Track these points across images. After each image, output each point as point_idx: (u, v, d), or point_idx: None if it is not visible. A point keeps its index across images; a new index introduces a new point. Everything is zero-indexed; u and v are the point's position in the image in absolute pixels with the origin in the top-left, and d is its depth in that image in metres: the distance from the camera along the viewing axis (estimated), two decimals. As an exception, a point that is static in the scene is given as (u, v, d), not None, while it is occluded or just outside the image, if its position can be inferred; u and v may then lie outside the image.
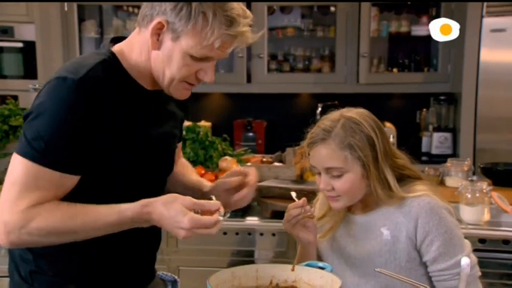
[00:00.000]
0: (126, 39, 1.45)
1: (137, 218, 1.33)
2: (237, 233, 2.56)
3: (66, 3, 4.31)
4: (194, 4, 1.29)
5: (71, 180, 1.34)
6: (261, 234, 2.55)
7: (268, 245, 2.56)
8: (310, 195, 1.78)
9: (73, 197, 1.34)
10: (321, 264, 1.50)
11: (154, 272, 1.67)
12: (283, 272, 1.47)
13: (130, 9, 4.60)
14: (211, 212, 1.34)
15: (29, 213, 1.29)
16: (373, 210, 1.65)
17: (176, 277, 1.75)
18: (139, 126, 1.42)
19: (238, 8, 1.34)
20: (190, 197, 1.34)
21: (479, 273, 1.63)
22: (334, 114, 1.63)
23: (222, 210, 1.36)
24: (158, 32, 1.34)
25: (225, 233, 2.55)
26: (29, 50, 4.24)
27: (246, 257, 2.56)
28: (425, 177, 1.78)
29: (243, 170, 1.61)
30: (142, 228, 1.37)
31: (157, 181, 1.56)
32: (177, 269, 2.60)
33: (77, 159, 1.32)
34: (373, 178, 1.59)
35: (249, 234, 2.56)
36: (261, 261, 2.51)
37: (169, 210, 1.30)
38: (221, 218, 1.33)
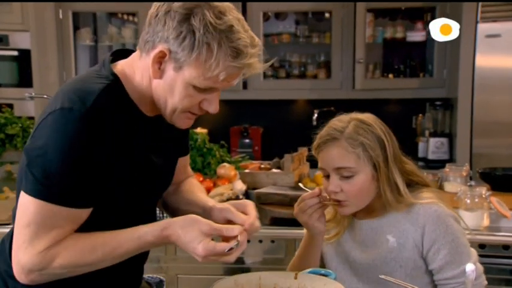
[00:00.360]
0: (128, 60, 1.38)
1: (158, 242, 1.32)
2: (235, 240, 2.54)
3: (61, 11, 4.31)
4: (198, 34, 1.21)
5: (86, 212, 1.30)
6: (260, 241, 2.54)
7: (267, 252, 2.55)
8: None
9: None
10: (323, 271, 1.49)
11: (141, 280, 1.65)
12: (286, 279, 1.45)
13: (125, 16, 4.60)
14: (228, 238, 1.30)
15: (48, 255, 1.25)
16: (379, 216, 1.64)
17: (162, 277, 1.74)
18: (139, 152, 1.37)
19: (246, 37, 1.26)
20: (209, 222, 1.31)
21: (486, 282, 1.62)
22: (344, 117, 1.64)
23: (242, 236, 1.31)
24: (160, 60, 1.26)
25: (224, 241, 2.53)
26: (24, 58, 4.22)
27: (245, 264, 2.54)
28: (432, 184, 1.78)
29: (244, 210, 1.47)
30: None
31: (156, 192, 1.54)
32: (176, 277, 2.58)
33: (89, 191, 1.28)
34: (383, 180, 1.58)
35: (248, 241, 2.53)
36: (257, 269, 2.49)
37: (185, 235, 1.28)
38: (234, 246, 1.28)
